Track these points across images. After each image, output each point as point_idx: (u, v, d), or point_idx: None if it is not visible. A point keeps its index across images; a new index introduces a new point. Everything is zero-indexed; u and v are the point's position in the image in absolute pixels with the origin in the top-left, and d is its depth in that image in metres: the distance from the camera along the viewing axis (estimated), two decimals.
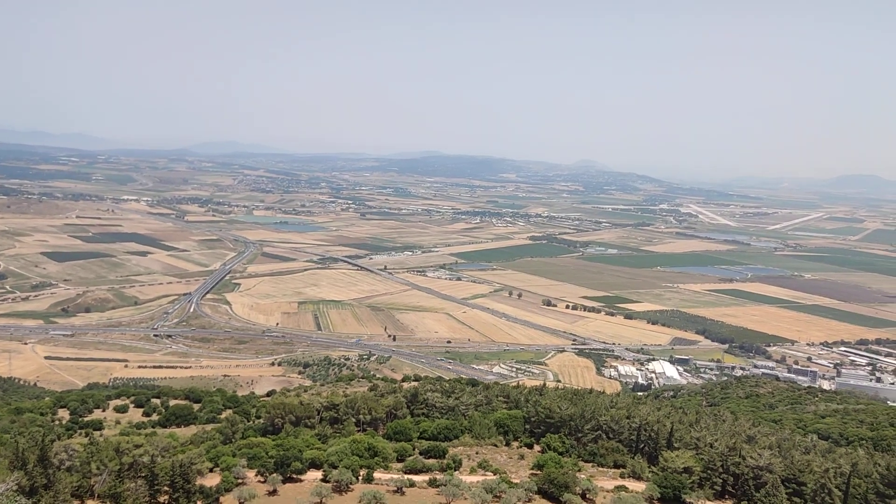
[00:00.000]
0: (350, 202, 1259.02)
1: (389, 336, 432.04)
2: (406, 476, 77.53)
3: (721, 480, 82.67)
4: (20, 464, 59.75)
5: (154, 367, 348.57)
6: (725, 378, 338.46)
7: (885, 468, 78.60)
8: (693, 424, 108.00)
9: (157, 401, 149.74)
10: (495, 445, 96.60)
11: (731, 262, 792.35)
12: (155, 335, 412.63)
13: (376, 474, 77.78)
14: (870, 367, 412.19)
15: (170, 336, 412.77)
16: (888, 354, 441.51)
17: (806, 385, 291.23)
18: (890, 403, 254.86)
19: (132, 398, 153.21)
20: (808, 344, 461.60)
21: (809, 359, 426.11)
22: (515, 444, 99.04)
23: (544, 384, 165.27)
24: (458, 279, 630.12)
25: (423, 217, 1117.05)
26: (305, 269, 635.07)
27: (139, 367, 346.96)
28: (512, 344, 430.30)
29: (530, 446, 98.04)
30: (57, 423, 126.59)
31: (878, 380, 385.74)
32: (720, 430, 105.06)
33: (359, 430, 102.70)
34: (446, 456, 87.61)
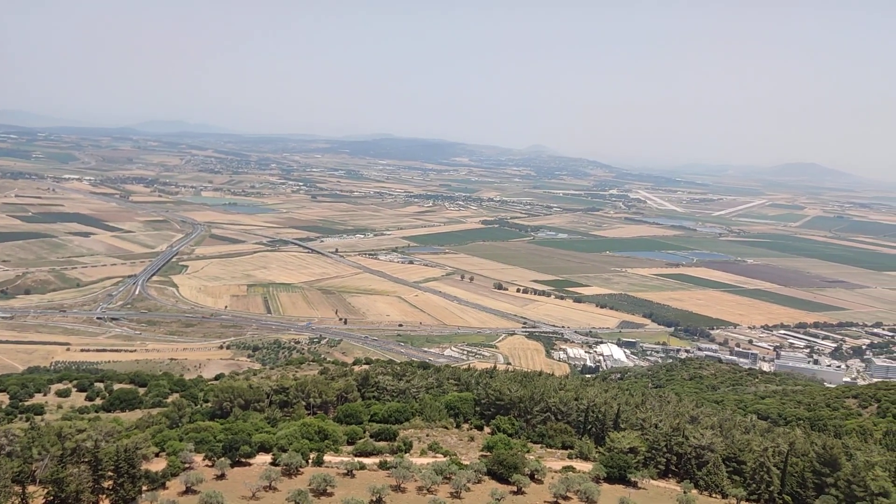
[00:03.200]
0: (301, 184, 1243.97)
1: (340, 319, 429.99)
2: (356, 459, 77.49)
3: (665, 460, 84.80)
4: None
5: (98, 350, 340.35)
6: (671, 360, 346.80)
7: (822, 447, 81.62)
8: (639, 406, 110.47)
9: (101, 385, 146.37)
10: (446, 428, 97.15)
11: (678, 247, 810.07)
12: (98, 318, 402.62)
13: (326, 457, 77.58)
14: (808, 350, 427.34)
15: (114, 319, 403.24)
16: (825, 337, 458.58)
17: (747, 367, 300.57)
18: (827, 385, 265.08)
19: (75, 382, 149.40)
20: (749, 327, 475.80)
21: (751, 341, 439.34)
22: (466, 426, 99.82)
23: (495, 367, 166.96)
24: (411, 262, 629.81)
25: (376, 200, 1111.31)
26: (255, 252, 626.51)
27: (82, 350, 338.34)
28: (463, 327, 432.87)
29: (480, 428, 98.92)
30: None
31: (816, 362, 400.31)
32: (665, 411, 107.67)
33: (309, 414, 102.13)
34: (397, 438, 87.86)
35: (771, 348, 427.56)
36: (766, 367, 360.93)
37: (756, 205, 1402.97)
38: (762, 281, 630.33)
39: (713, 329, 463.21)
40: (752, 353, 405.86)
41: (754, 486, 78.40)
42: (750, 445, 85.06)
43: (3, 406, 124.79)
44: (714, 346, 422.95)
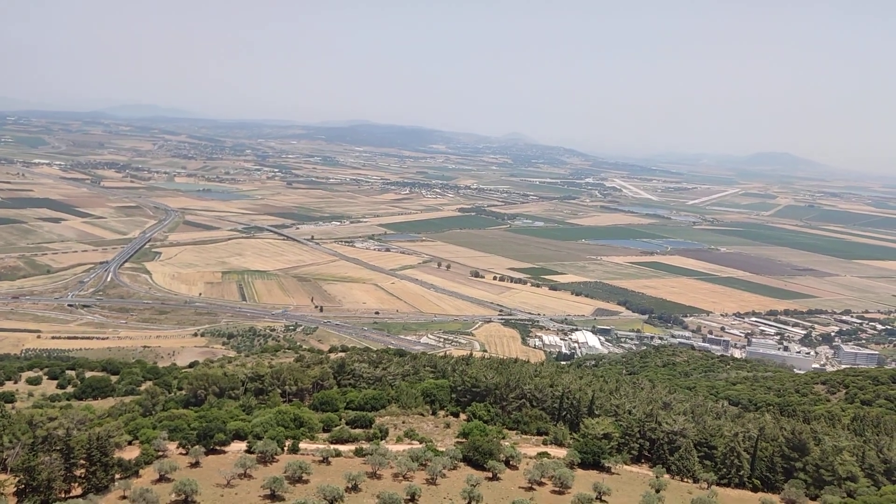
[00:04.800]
0: (276, 170, 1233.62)
1: (316, 307, 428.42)
2: (332, 446, 77.59)
3: (638, 445, 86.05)
4: None
5: (69, 337, 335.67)
6: (644, 347, 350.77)
7: (791, 432, 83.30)
8: (613, 392, 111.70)
9: (73, 372, 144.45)
10: (422, 415, 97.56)
11: (653, 235, 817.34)
12: (69, 305, 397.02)
13: (302, 445, 77.56)
14: (778, 337, 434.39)
15: (86, 306, 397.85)
16: (795, 324, 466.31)
17: (719, 354, 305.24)
18: (796, 371, 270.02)
19: (46, 370, 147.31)
20: (721, 314, 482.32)
21: (723, 329, 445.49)
22: (442, 413, 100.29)
23: (471, 354, 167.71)
24: (387, 250, 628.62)
25: (352, 187, 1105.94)
26: (230, 239, 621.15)
27: (53, 337, 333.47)
28: (440, 315, 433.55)
29: (456, 415, 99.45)
30: None
31: (786, 348, 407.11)
32: (638, 398, 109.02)
33: (285, 401, 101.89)
34: (373, 426, 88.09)
35: (742, 335, 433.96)
36: (737, 353, 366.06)
37: (729, 194, 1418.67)
38: (735, 269, 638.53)
39: (686, 316, 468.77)
40: (724, 340, 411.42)
41: (725, 470, 79.86)
42: (721, 431, 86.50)
43: None
44: (687, 334, 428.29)
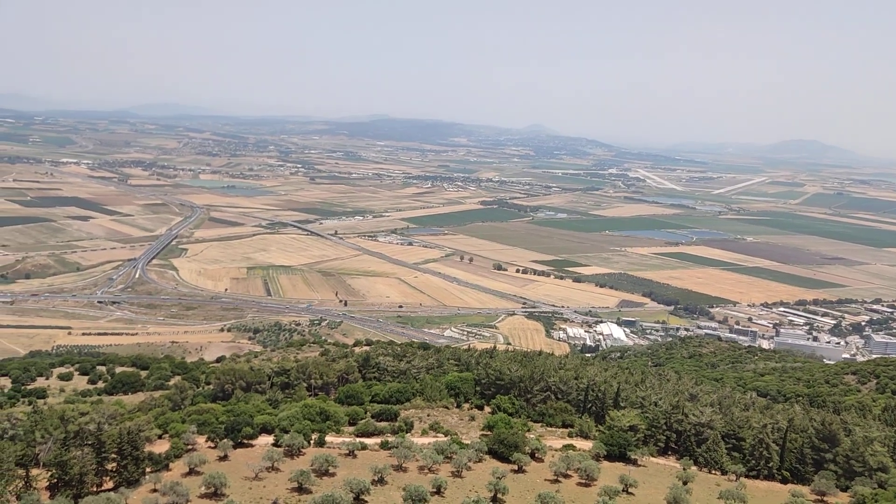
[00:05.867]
0: (299, 166, 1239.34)
1: (340, 301, 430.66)
2: (358, 439, 78.01)
3: (665, 437, 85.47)
4: None
5: (99, 333, 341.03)
6: (670, 339, 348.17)
7: (821, 423, 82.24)
8: (639, 384, 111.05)
9: (103, 368, 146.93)
10: (446, 407, 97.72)
11: (677, 225, 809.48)
12: (99, 302, 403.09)
13: (328, 438, 78.04)
14: (807, 327, 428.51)
15: (115, 302, 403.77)
16: (825, 314, 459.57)
17: (746, 345, 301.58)
18: (826, 361, 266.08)
19: (77, 366, 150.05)
20: (749, 305, 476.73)
21: (750, 319, 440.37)
22: (466, 405, 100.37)
23: (495, 347, 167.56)
24: (410, 244, 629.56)
25: (374, 181, 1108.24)
26: (254, 234, 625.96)
27: (83, 334, 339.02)
28: (463, 308, 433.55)
29: (481, 408, 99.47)
30: None
31: (815, 339, 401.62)
32: (664, 389, 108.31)
33: (310, 395, 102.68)
34: (398, 419, 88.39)
35: (770, 326, 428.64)
36: (765, 344, 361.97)
37: (755, 182, 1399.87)
38: (762, 259, 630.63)
39: (713, 307, 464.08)
40: (751, 331, 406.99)
41: (753, 462, 79.12)
42: (749, 422, 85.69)
43: (6, 390, 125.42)
44: (713, 325, 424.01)
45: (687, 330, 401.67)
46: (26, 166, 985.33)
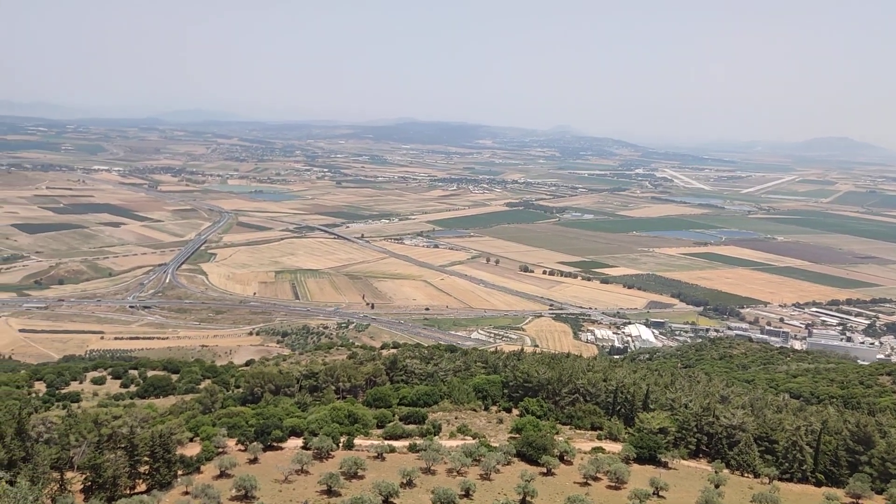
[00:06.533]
0: (325, 170, 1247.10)
1: (367, 304, 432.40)
2: (386, 442, 78.23)
3: (695, 440, 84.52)
4: None
5: (131, 338, 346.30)
6: (700, 340, 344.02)
7: (855, 425, 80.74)
8: (668, 386, 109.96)
9: (135, 372, 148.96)
10: (474, 410, 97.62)
11: (706, 225, 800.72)
12: (131, 306, 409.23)
13: (357, 441, 78.39)
14: (840, 327, 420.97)
15: (146, 307, 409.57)
16: (858, 314, 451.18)
17: (778, 345, 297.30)
18: (860, 362, 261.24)
19: (109, 370, 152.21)
20: (780, 305, 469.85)
21: (782, 320, 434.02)
22: (494, 408, 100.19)
23: (522, 349, 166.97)
24: (436, 246, 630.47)
25: (400, 184, 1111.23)
26: (282, 239, 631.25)
27: (115, 338, 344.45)
28: (490, 310, 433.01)
29: (509, 410, 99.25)
30: (33, 395, 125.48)
31: (849, 339, 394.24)
32: (694, 391, 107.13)
33: (338, 398, 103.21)
34: (426, 421, 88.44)
35: (802, 326, 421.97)
36: (797, 345, 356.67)
37: (785, 181, 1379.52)
38: (793, 258, 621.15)
39: (743, 308, 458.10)
40: (783, 332, 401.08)
41: (787, 464, 77.93)
42: (782, 424, 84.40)
43: (41, 394, 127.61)
44: (744, 325, 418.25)
45: (717, 331, 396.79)
46: (59, 174, 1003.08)
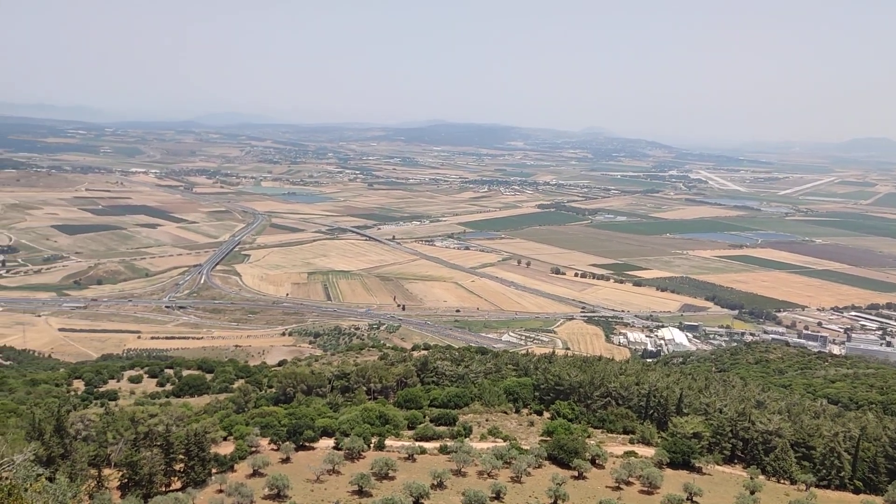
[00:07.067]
0: (358, 172, 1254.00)
1: (399, 305, 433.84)
2: (417, 443, 78.38)
3: (730, 445, 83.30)
4: (37, 434, 60.65)
5: (166, 337, 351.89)
6: (735, 344, 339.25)
7: (895, 431, 78.85)
8: (702, 390, 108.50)
9: (171, 371, 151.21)
10: (505, 412, 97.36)
11: (742, 227, 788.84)
12: (167, 306, 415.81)
13: (388, 441, 78.64)
14: (880, 332, 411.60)
15: (181, 307, 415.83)
16: None
17: (816, 350, 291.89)
18: None
19: (146, 369, 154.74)
20: (818, 309, 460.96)
21: (820, 324, 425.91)
22: (525, 411, 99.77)
23: (553, 352, 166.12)
24: (467, 248, 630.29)
25: (431, 186, 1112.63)
26: (314, 240, 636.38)
27: (152, 338, 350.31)
28: (521, 312, 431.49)
29: (540, 413, 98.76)
30: (72, 393, 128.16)
31: (889, 344, 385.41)
32: (729, 396, 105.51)
33: (370, 399, 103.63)
34: (457, 423, 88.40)
35: (841, 330, 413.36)
36: (836, 350, 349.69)
37: (824, 182, 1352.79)
38: (831, 261, 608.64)
39: (780, 311, 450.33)
40: (821, 336, 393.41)
41: (824, 471, 76.43)
42: (819, 430, 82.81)
43: (79, 392, 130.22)
44: (781, 329, 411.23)
45: (753, 335, 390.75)
46: (98, 176, 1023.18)
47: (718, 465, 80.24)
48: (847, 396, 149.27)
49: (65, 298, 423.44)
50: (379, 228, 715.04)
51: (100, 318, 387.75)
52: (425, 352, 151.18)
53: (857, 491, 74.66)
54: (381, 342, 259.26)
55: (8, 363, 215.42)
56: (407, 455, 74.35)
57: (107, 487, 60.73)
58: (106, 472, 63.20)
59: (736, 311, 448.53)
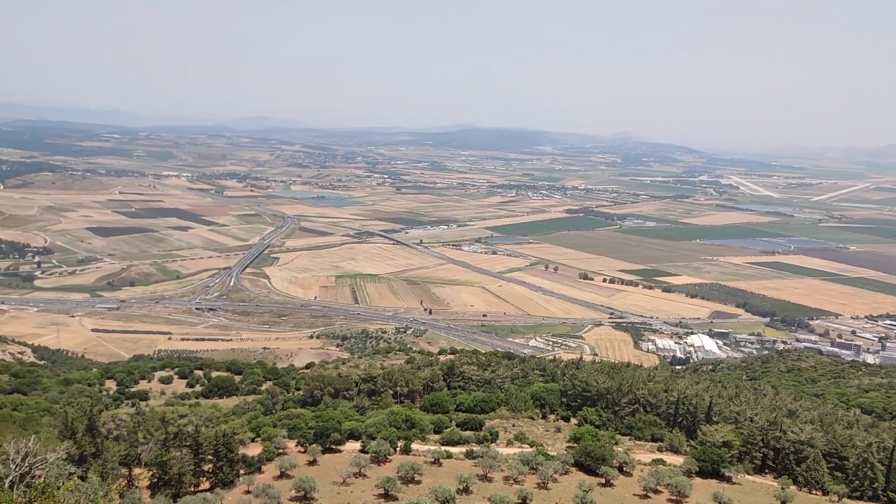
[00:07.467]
0: (386, 176, 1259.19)
1: (425, 309, 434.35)
2: (443, 447, 78.32)
3: (761, 454, 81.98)
4: (69, 433, 61.77)
5: (196, 339, 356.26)
6: (766, 352, 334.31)
7: None
8: (733, 398, 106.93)
9: (200, 372, 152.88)
10: (532, 418, 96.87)
11: (774, 234, 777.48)
12: (197, 308, 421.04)
13: (414, 445, 78.68)
14: None
15: (211, 309, 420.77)
16: None
17: (849, 359, 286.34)
18: None
19: (176, 370, 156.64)
20: (852, 317, 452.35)
21: (853, 332, 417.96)
22: (552, 416, 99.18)
23: (581, 358, 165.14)
24: (494, 253, 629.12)
25: (459, 191, 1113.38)
26: (342, 244, 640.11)
27: (182, 339, 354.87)
28: (548, 317, 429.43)
29: (567, 419, 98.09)
30: (104, 393, 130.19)
31: None
32: (760, 405, 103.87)
33: (396, 402, 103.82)
34: (483, 428, 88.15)
35: (876, 339, 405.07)
36: (870, 358, 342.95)
37: (859, 188, 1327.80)
38: (866, 269, 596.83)
39: (812, 319, 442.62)
40: (854, 345, 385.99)
41: (857, 482, 74.94)
42: (853, 441, 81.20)
43: (111, 392, 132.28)
44: (814, 338, 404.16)
45: (784, 343, 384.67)
46: (131, 179, 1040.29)
47: (749, 474, 79.00)
48: (881, 406, 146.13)
49: (98, 299, 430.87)
50: (406, 232, 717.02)
51: (132, 319, 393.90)
52: (452, 356, 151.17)
53: (890, 502, 73.06)
54: (408, 346, 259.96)
55: (42, 363, 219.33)
56: (433, 459, 74.34)
57: (137, 487, 61.60)
58: (136, 471, 64.13)
59: (767, 319, 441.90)
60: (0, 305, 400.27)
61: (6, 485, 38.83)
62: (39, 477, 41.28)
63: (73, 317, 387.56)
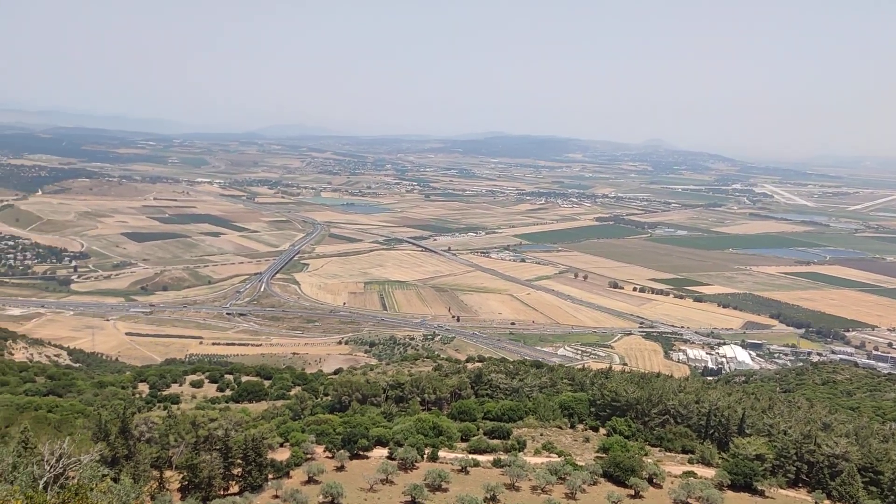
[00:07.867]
0: (415, 183, 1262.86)
1: (453, 317, 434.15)
2: (470, 456, 78.01)
3: (795, 468, 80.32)
4: (103, 435, 62.68)
5: (227, 344, 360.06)
6: (801, 364, 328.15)
7: None
8: (766, 411, 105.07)
9: (230, 377, 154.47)
10: (560, 428, 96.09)
11: (809, 244, 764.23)
12: (228, 313, 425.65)
13: (441, 453, 78.49)
14: None
15: (242, 314, 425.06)
16: None
17: (886, 371, 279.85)
18: None
19: (207, 374, 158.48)
20: (889, 329, 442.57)
21: (890, 344, 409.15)
22: (580, 426, 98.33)
23: (610, 367, 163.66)
24: (523, 261, 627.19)
25: (487, 198, 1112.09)
26: (371, 250, 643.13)
27: (213, 343, 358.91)
28: (577, 326, 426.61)
29: (595, 429, 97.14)
30: (137, 396, 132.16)
31: None
32: (794, 417, 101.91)
33: (424, 409, 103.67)
34: (510, 437, 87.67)
35: None
36: None
37: None
38: None
39: (848, 331, 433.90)
40: (891, 357, 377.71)
41: (892, 497, 73.10)
42: (888, 455, 79.31)
43: (144, 395, 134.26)
44: (849, 349, 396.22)
45: (820, 355, 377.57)
46: (165, 185, 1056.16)
47: (782, 488, 77.47)
48: None
49: (132, 304, 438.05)
50: (435, 239, 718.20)
51: (164, 323, 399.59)
52: (479, 364, 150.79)
53: None
54: (436, 353, 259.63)
55: (77, 365, 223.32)
56: (460, 467, 74.10)
57: (168, 489, 62.33)
58: (167, 473, 64.89)
59: (802, 330, 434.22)
60: (38, 309, 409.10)
61: (40, 486, 39.53)
62: (73, 478, 41.93)
63: (107, 320, 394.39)
